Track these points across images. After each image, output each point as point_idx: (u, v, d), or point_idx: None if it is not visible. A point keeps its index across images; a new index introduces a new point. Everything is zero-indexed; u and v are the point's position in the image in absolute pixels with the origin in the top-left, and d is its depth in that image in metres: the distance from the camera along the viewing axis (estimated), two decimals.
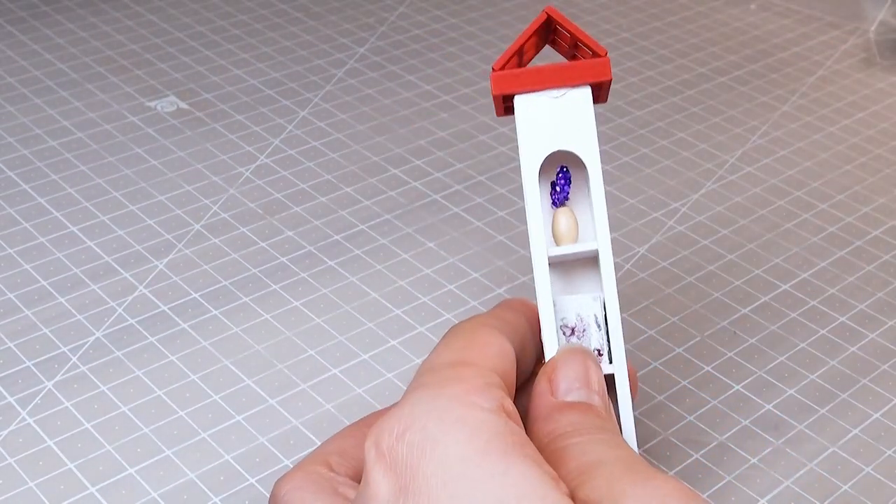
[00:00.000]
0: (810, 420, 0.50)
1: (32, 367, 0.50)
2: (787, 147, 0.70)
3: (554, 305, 0.37)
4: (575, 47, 0.39)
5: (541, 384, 0.36)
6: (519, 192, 0.64)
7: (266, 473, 0.45)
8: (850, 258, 0.60)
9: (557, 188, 0.38)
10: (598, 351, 0.38)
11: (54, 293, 0.54)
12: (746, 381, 0.51)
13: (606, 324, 0.38)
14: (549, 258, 0.37)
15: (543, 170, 0.38)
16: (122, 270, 0.56)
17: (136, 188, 0.62)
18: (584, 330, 0.38)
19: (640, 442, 0.48)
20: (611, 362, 0.38)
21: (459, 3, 0.85)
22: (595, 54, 0.38)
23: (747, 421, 0.49)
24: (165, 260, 0.57)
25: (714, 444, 0.48)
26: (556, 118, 0.37)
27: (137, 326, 0.52)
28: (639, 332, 0.54)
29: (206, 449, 0.46)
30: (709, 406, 0.50)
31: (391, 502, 0.30)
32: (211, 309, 0.54)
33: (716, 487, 0.46)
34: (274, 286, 0.55)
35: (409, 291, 0.55)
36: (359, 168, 0.65)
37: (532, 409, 0.36)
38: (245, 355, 0.51)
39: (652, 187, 0.65)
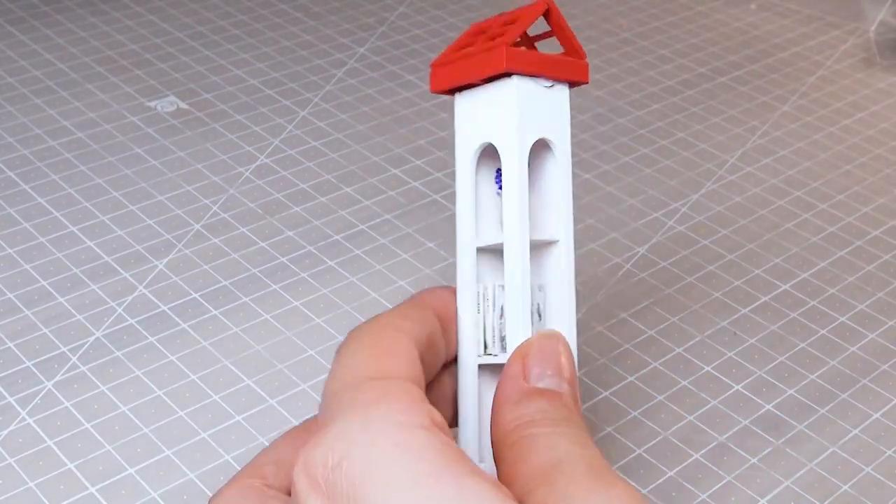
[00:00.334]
0: (810, 420, 0.50)
1: (32, 367, 0.50)
2: (787, 147, 0.70)
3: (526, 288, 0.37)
4: (535, 38, 0.40)
5: (513, 366, 0.36)
6: None
7: None
8: (850, 258, 0.60)
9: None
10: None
11: (54, 293, 0.54)
12: (746, 381, 0.51)
13: (545, 314, 0.38)
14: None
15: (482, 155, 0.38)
16: (122, 270, 0.56)
17: (136, 188, 0.62)
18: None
19: (641, 442, 0.48)
20: (504, 350, 0.38)
21: (459, 3, 0.85)
22: (576, 55, 0.38)
23: (747, 421, 0.49)
24: (165, 260, 0.57)
25: (714, 444, 0.48)
26: (543, 106, 0.38)
27: (137, 326, 0.52)
28: (639, 332, 0.54)
29: (206, 449, 0.46)
30: (709, 406, 0.50)
31: None
32: (211, 309, 0.54)
33: (716, 487, 0.46)
34: (274, 286, 0.55)
35: (409, 291, 0.55)
36: (359, 168, 0.65)
37: (502, 390, 0.35)
38: (245, 355, 0.51)
39: (652, 187, 0.65)
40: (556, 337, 0.37)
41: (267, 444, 0.47)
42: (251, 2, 0.83)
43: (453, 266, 0.38)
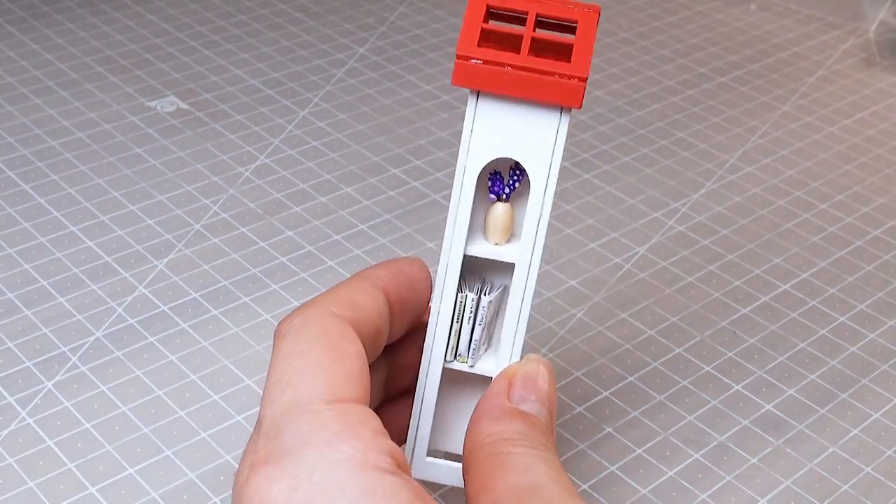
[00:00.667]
0: (810, 420, 0.50)
1: (32, 367, 0.50)
2: (787, 147, 0.70)
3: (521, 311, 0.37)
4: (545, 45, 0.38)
5: (499, 384, 0.36)
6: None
7: None
8: (850, 258, 0.60)
9: (510, 182, 0.37)
10: (457, 350, 0.38)
11: (54, 293, 0.54)
12: (746, 381, 0.51)
13: (486, 324, 0.38)
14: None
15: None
16: (122, 270, 0.56)
17: (136, 188, 0.62)
18: (462, 323, 0.38)
19: (641, 442, 0.48)
20: (470, 359, 0.38)
21: (459, 3, 0.85)
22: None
23: (747, 421, 0.49)
24: (165, 260, 0.57)
25: (714, 444, 0.48)
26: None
27: (137, 326, 0.52)
28: (639, 332, 0.54)
29: (206, 449, 0.46)
30: (709, 406, 0.50)
31: None
32: (211, 309, 0.54)
33: (716, 487, 0.46)
34: (274, 286, 0.55)
35: None
36: (359, 168, 0.65)
37: (484, 404, 0.36)
38: (245, 355, 0.51)
39: (652, 187, 0.65)
40: (543, 363, 0.37)
41: None
42: (251, 2, 0.83)
43: None
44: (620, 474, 0.46)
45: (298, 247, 0.58)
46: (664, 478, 0.46)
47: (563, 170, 0.65)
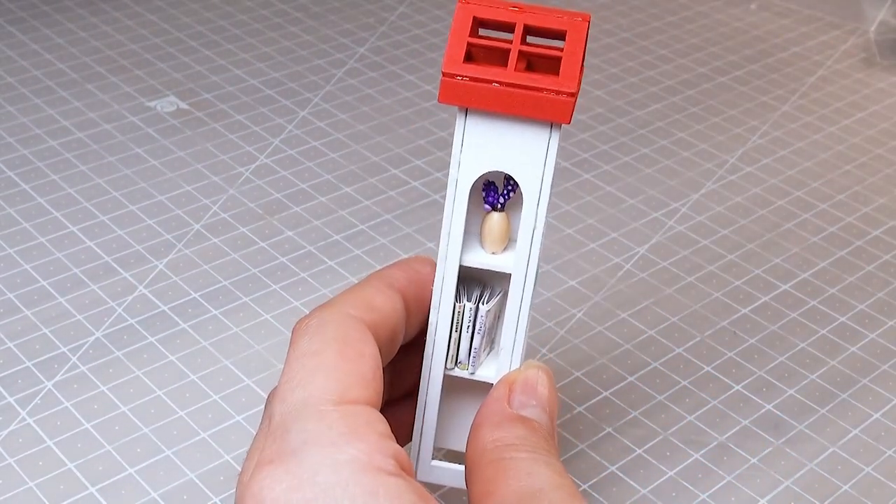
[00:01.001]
0: (810, 420, 0.50)
1: (32, 367, 0.50)
2: (787, 147, 0.70)
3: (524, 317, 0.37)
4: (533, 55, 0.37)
5: (499, 390, 0.36)
6: None
7: None
8: (850, 258, 0.60)
9: (504, 192, 0.37)
10: (458, 358, 0.38)
11: (54, 293, 0.54)
12: (746, 381, 0.51)
13: (486, 332, 0.38)
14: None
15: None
16: (122, 270, 0.56)
17: (136, 188, 0.62)
18: (462, 333, 0.38)
19: (641, 442, 0.48)
20: (471, 367, 0.38)
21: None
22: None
23: (747, 421, 0.49)
24: (165, 260, 0.57)
25: (714, 444, 0.48)
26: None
27: (137, 326, 0.52)
28: (639, 332, 0.54)
29: (206, 449, 0.46)
30: (709, 406, 0.50)
31: None
32: (211, 309, 0.54)
33: (716, 487, 0.46)
34: (274, 286, 0.55)
35: None
36: (359, 168, 0.65)
37: (485, 410, 0.36)
38: (245, 355, 0.51)
39: (652, 187, 0.65)
40: (543, 369, 0.37)
41: None
42: (251, 2, 0.83)
43: None
44: (620, 474, 0.46)
45: (298, 247, 0.58)
46: (664, 478, 0.46)
47: (563, 170, 0.65)
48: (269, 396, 0.34)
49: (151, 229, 0.59)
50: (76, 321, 0.52)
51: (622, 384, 0.51)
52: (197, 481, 0.45)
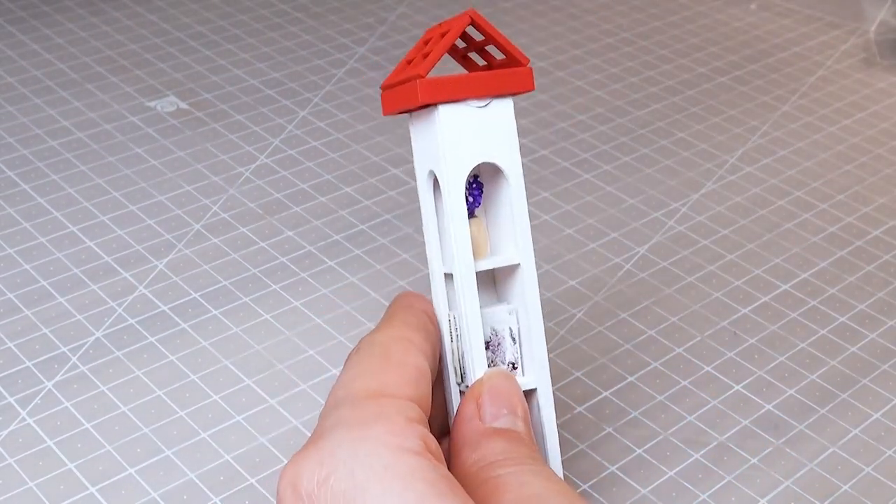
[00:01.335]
0: (810, 420, 0.50)
1: (32, 367, 0.50)
2: (787, 147, 0.70)
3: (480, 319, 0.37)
4: (481, 52, 0.38)
5: (467, 408, 0.35)
6: None
7: (266, 473, 0.45)
8: (850, 258, 0.60)
9: (470, 198, 0.37)
10: (513, 364, 0.37)
11: (54, 293, 0.54)
12: (746, 381, 0.52)
13: (520, 336, 0.37)
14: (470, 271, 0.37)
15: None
16: (122, 270, 0.56)
17: (136, 188, 0.62)
18: (498, 344, 0.37)
19: (641, 442, 0.48)
20: (523, 375, 0.37)
21: (459, 3, 0.85)
22: (516, 62, 0.37)
23: (747, 421, 0.49)
24: (165, 260, 0.57)
25: (714, 444, 0.48)
26: (479, 128, 0.36)
27: (137, 326, 0.52)
28: (639, 332, 0.54)
29: (206, 449, 0.46)
30: (709, 406, 0.50)
31: None
32: (211, 309, 0.54)
33: (716, 487, 0.46)
34: (274, 286, 0.55)
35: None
36: (359, 168, 0.65)
37: (458, 433, 0.35)
38: (245, 355, 0.51)
39: (652, 187, 0.65)
40: (505, 375, 0.36)
41: (267, 443, 0.47)
42: (251, 2, 0.83)
43: None
44: (620, 474, 0.46)
45: (298, 247, 0.58)
46: (664, 478, 0.46)
47: (563, 169, 0.65)
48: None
49: (151, 229, 0.59)
50: (76, 321, 0.52)
51: (622, 384, 0.51)
52: (197, 481, 0.45)
